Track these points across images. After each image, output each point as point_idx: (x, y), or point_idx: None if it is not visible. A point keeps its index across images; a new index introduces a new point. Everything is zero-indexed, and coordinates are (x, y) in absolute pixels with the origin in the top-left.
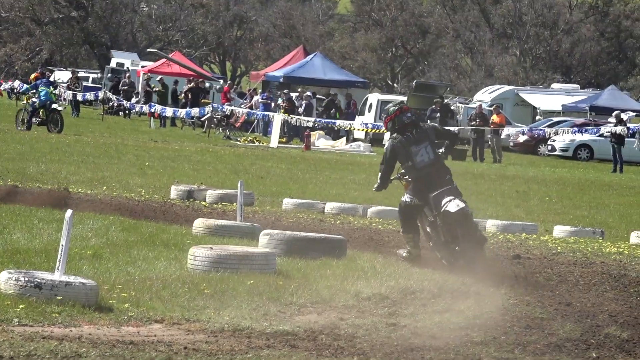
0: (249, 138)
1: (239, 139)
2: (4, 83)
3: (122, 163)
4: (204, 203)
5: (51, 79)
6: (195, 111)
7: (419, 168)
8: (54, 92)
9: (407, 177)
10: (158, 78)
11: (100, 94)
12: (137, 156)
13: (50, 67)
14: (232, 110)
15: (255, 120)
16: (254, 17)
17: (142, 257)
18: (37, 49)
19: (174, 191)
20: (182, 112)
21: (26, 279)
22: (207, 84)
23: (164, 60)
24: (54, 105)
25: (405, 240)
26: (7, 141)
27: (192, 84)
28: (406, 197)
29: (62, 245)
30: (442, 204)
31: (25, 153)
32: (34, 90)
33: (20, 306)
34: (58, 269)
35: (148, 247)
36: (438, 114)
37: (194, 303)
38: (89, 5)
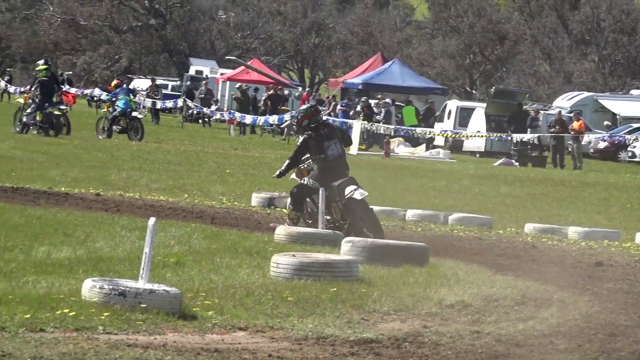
0: None
1: None
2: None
3: (202, 170)
4: (285, 210)
5: (130, 86)
6: (274, 118)
7: (330, 160)
8: (133, 100)
9: (303, 165)
10: (237, 85)
11: (180, 102)
12: (218, 164)
13: (129, 75)
14: None
15: None
16: (332, 25)
17: (224, 265)
18: (116, 57)
19: (255, 199)
20: (261, 120)
21: (110, 286)
22: (286, 92)
23: (242, 67)
24: (134, 113)
25: (290, 217)
26: (88, 149)
27: (272, 91)
28: (309, 181)
29: (146, 252)
30: (347, 191)
31: (106, 161)
32: (114, 99)
33: (105, 314)
34: (142, 277)
35: (230, 255)
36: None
37: (278, 310)
38: (167, 14)
